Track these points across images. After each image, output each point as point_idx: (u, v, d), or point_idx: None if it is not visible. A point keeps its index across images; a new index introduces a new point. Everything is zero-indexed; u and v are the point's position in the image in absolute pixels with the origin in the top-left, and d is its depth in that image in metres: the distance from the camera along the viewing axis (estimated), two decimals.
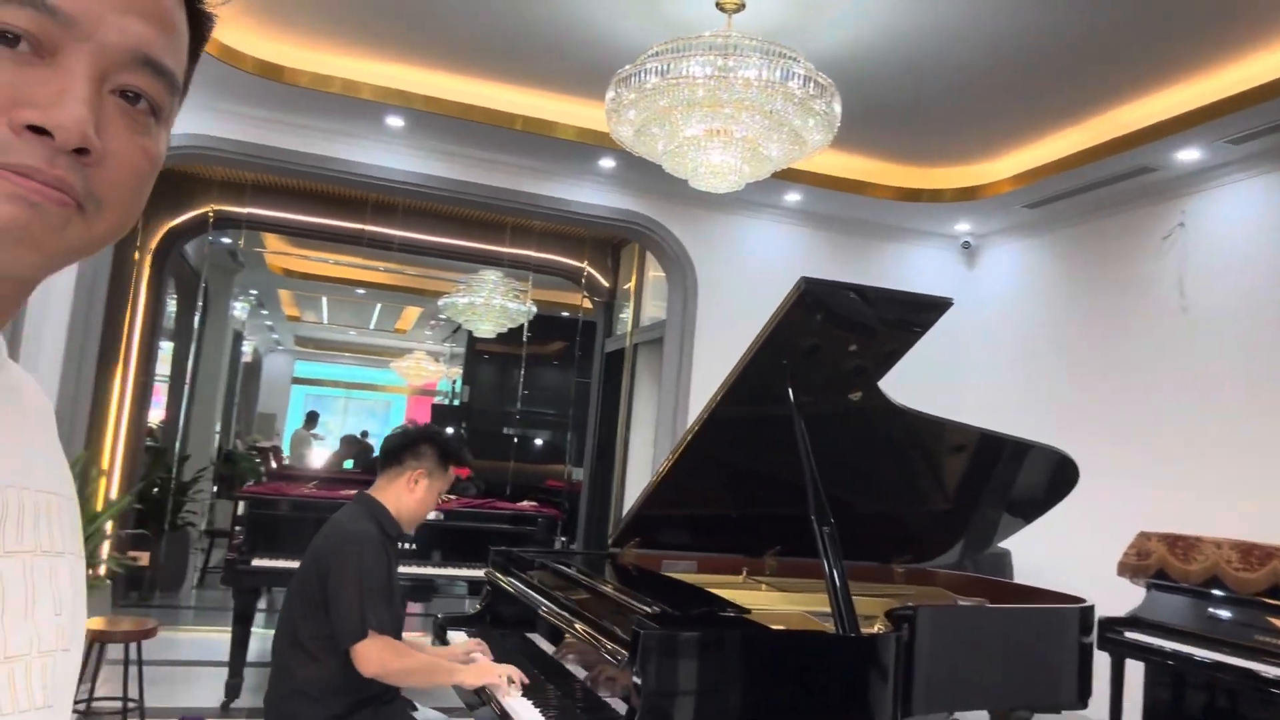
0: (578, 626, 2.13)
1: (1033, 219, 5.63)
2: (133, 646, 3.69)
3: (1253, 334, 4.35)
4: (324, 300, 11.96)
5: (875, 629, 2.23)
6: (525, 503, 4.51)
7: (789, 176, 5.35)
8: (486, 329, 8.91)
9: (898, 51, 4.03)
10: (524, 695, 2.17)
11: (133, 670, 3.68)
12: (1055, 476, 3.01)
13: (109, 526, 4.77)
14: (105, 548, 4.88)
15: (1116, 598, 4.30)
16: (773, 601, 2.75)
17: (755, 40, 3.25)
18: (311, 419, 12.97)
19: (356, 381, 20.20)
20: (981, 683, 2.51)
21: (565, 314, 8.30)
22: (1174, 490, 4.60)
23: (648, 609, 1.97)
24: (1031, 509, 3.15)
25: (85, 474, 4.47)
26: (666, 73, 3.23)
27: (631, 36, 3.99)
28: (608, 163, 5.20)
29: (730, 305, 5.64)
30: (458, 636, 2.72)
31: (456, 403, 10.73)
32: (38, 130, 0.47)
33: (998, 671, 2.57)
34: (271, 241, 8.53)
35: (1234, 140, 4.15)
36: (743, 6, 3.65)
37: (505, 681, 2.19)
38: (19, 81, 0.47)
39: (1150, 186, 4.86)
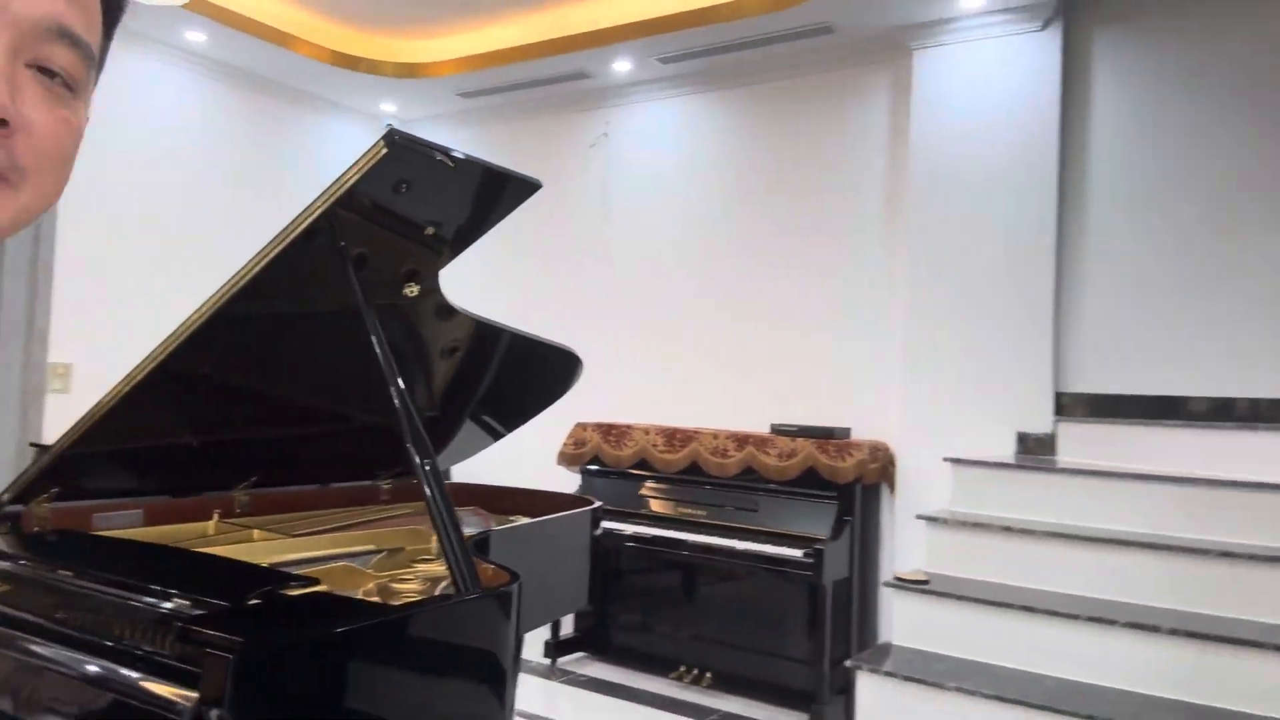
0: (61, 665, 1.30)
1: (464, 109, 5.45)
2: None
3: (659, 248, 4.85)
4: None
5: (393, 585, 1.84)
6: None
7: (193, 6, 4.24)
8: None
9: None
10: None
11: None
12: (559, 371, 2.89)
13: None
14: None
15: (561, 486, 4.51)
16: (276, 551, 2.15)
17: None
18: None
19: None
20: (531, 603, 2.34)
21: None
22: (605, 386, 4.97)
23: (200, 609, 1.28)
24: (530, 406, 3.00)
25: None
26: None
27: None
28: None
29: (107, 167, 4.35)
30: None
31: None
32: None
33: (543, 587, 2.43)
34: None
35: (665, 59, 4.49)
36: None
37: None
38: None
39: (582, 94, 5.04)
